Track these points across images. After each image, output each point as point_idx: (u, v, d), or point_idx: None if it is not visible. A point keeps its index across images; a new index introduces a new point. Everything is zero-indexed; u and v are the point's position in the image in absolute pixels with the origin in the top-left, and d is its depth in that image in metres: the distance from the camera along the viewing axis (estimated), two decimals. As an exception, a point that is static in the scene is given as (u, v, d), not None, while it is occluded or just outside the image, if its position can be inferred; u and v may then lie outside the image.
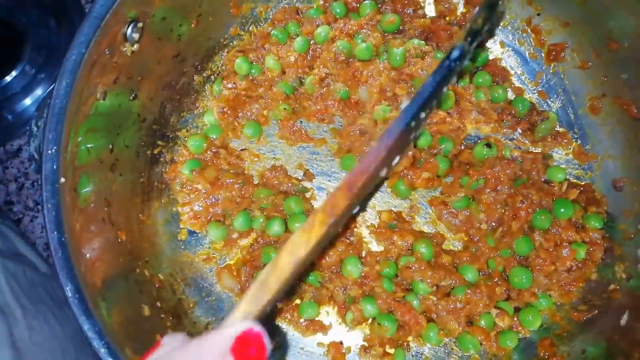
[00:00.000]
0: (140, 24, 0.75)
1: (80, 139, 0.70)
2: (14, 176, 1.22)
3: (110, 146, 0.77)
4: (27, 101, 1.26)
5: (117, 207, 0.77)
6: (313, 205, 0.87)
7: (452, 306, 0.78)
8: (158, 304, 0.78)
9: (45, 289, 0.90)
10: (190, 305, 0.84)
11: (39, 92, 1.26)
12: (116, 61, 0.73)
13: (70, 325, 0.86)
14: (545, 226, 0.80)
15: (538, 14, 0.88)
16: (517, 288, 0.80)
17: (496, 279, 0.81)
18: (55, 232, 0.62)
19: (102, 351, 0.60)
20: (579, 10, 0.81)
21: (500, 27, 0.91)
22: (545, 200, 0.81)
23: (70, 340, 0.85)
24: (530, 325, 0.79)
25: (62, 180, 0.65)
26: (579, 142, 0.87)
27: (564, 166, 0.86)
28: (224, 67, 0.92)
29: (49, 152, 0.64)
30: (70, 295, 0.61)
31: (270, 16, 0.93)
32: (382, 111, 0.87)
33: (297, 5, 0.92)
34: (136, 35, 0.75)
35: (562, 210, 0.81)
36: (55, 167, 0.64)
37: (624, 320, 0.73)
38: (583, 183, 0.85)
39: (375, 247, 0.86)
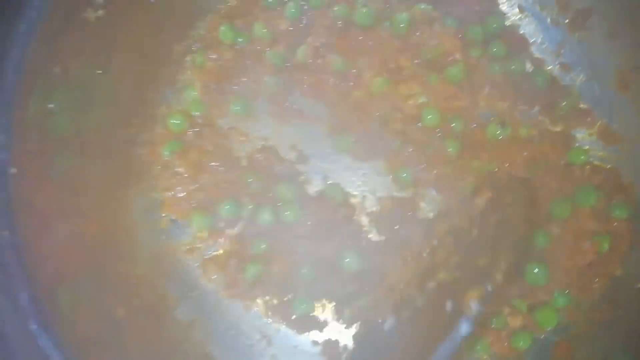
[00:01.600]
0: (103, -15, 0.65)
1: (38, 122, 0.61)
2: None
3: (77, 127, 0.68)
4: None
5: (86, 196, 0.70)
6: (306, 191, 0.80)
7: None
8: (135, 303, 0.71)
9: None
10: (172, 303, 0.77)
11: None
12: (78, 29, 0.65)
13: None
14: (565, 215, 0.73)
15: (561, -26, 0.78)
16: (532, 284, 0.73)
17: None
18: (7, 232, 0.54)
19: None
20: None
21: (519, -11, 0.82)
22: (566, 187, 0.75)
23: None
24: (546, 325, 0.73)
25: (14, 170, 0.57)
26: (605, 121, 0.79)
27: (587, 147, 0.79)
28: (207, 36, 0.83)
29: (-1, 138, 0.56)
30: (24, 304, 0.53)
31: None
32: (380, 84, 0.79)
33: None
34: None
35: (584, 197, 0.74)
36: (5, 156, 0.56)
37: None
38: (608, 167, 0.78)
39: (375, 237, 0.79)
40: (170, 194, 0.80)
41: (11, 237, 0.55)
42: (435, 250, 0.71)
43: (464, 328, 0.60)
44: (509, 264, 0.61)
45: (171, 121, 0.80)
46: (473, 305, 0.60)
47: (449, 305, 0.62)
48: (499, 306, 0.72)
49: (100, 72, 0.71)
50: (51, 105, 0.64)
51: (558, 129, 0.79)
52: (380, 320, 0.69)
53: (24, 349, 0.51)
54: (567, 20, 0.81)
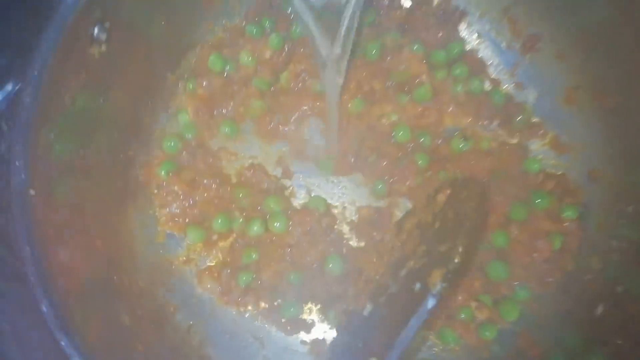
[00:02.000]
0: (107, 24, 0.72)
1: (50, 147, 0.67)
2: (-16, 176, 1.19)
3: (82, 152, 0.74)
4: (-4, 97, 1.21)
5: (92, 214, 0.75)
6: (292, 203, 0.87)
7: None
8: (138, 311, 0.77)
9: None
10: (172, 310, 0.83)
11: (9, 87, 1.21)
12: (84, 64, 0.71)
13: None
14: (522, 218, 0.81)
15: (515, 3, 0.87)
16: (495, 280, 0.81)
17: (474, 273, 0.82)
18: (27, 247, 0.61)
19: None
20: (556, 1, 0.81)
21: (477, 17, 0.91)
22: (522, 192, 0.83)
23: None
24: (509, 317, 0.80)
25: (32, 192, 0.63)
26: (555, 133, 0.87)
27: (540, 157, 0.87)
28: (197, 65, 0.90)
29: (17, 164, 0.62)
30: (46, 310, 0.59)
31: (245, 10, 0.90)
32: (356, 105, 0.86)
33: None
34: (104, 36, 0.72)
35: (538, 201, 0.82)
36: (24, 178, 0.62)
37: (599, 310, 0.75)
38: (559, 173, 0.86)
39: (355, 243, 0.86)
40: (166, 210, 0.86)
41: (31, 252, 0.61)
42: (405, 244, 0.79)
43: (430, 302, 0.69)
44: (465, 247, 0.70)
45: (166, 144, 0.87)
46: (437, 283, 0.68)
47: (417, 286, 0.71)
48: (464, 299, 0.79)
49: (102, 100, 0.77)
50: (60, 132, 0.69)
51: (514, 141, 0.88)
52: (360, 308, 0.77)
53: (48, 350, 0.57)
54: (519, 45, 0.89)
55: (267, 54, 0.88)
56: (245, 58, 0.88)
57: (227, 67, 0.89)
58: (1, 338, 0.82)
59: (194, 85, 0.88)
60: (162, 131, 0.89)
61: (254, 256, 0.84)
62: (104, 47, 0.73)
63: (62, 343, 0.58)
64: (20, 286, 0.93)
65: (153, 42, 0.82)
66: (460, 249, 0.70)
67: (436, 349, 0.82)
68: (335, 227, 0.86)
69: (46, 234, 0.64)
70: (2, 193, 1.16)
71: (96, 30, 0.71)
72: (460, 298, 0.79)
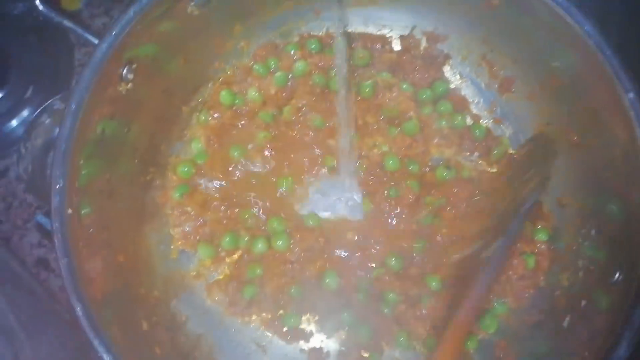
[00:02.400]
0: (134, 65, 0.82)
1: (82, 172, 0.77)
2: (2, 196, 1.26)
3: (108, 176, 0.84)
4: (14, 122, 1.29)
5: (115, 231, 0.84)
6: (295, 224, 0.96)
7: (418, 313, 0.88)
8: (154, 318, 0.85)
9: (44, 310, 0.96)
10: (183, 319, 0.91)
11: (25, 113, 1.30)
12: (113, 99, 0.81)
13: (70, 344, 0.92)
14: None
15: (491, 50, 0.98)
16: (475, 295, 0.89)
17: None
18: (65, 259, 0.70)
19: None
20: (526, 49, 0.92)
21: (459, 61, 1.02)
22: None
23: (72, 358, 0.91)
24: (488, 329, 0.89)
25: (69, 211, 0.72)
26: (529, 164, 0.97)
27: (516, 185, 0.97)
28: (209, 99, 1.00)
29: (57, 187, 0.72)
30: (80, 314, 0.68)
31: (252, 51, 1.01)
32: (353, 138, 0.97)
33: (276, 42, 1.01)
34: (131, 75, 0.82)
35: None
36: (63, 200, 0.72)
37: (566, 322, 0.83)
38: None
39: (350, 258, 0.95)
40: (179, 229, 0.95)
41: (69, 263, 0.70)
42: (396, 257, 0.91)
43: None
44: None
45: (180, 169, 0.96)
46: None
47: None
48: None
49: (126, 130, 0.87)
50: (90, 158, 0.79)
51: (493, 170, 0.98)
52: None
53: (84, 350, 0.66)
54: (497, 85, 1.00)
55: (272, 90, 0.98)
56: (252, 93, 0.98)
57: (237, 101, 0.98)
58: (18, 343, 0.90)
59: (206, 117, 0.98)
60: (176, 157, 0.98)
61: (258, 271, 0.93)
62: (130, 85, 0.83)
63: (95, 343, 0.67)
64: (33, 298, 1.01)
65: (171, 79, 0.92)
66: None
67: (422, 357, 0.91)
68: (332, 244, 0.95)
69: (78, 249, 0.73)
70: (17, 212, 1.25)
71: (125, 70, 0.81)
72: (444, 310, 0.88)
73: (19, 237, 1.26)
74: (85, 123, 0.76)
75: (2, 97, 1.28)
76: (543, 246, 0.91)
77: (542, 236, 0.91)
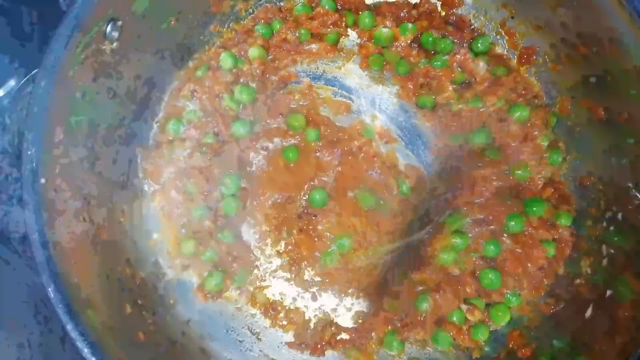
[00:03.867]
0: (119, 22, 0.75)
1: (59, 138, 0.70)
2: (-14, 168, 1.20)
3: (90, 145, 0.77)
4: (0, 92, 1.23)
5: (97, 206, 0.77)
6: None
7: (419, 318, 0.81)
8: (139, 301, 0.78)
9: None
10: (171, 302, 0.85)
11: (12, 83, 1.23)
12: (95, 60, 0.74)
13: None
14: (519, 230, 0.83)
15: (512, 17, 0.90)
16: (487, 288, 0.83)
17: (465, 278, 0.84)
18: (37, 234, 0.63)
19: (86, 351, 0.61)
20: (551, 15, 0.84)
21: (476, 28, 0.94)
22: (518, 204, 0.85)
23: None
24: (500, 321, 0.83)
25: (43, 180, 0.65)
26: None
27: (533, 163, 0.89)
28: (207, 60, 0.92)
29: (29, 152, 0.64)
30: (52, 295, 0.61)
31: (251, 13, 0.93)
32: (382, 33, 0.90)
33: (280, 4, 0.93)
34: (115, 34, 0.75)
35: (534, 209, 0.84)
36: (35, 167, 0.64)
37: (588, 313, 0.77)
38: (557, 180, 0.88)
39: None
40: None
41: (39, 238, 0.63)
42: None
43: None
44: None
45: (169, 126, 0.89)
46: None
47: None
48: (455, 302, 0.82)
49: (111, 95, 0.79)
50: (70, 124, 0.72)
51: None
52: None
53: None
54: (516, 56, 0.93)
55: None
56: (255, 52, 0.90)
57: (239, 64, 0.91)
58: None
59: (203, 72, 0.90)
60: (165, 120, 0.90)
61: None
62: (115, 45, 0.76)
63: (68, 327, 0.60)
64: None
65: (162, 42, 0.85)
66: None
67: (430, 349, 0.84)
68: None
69: (53, 223, 0.66)
70: (1, 186, 1.19)
71: (109, 28, 0.74)
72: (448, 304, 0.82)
73: (3, 213, 1.20)
74: (63, 83, 0.69)
75: (-13, 66, 1.21)
76: (565, 232, 0.83)
77: (564, 221, 0.84)
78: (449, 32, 0.91)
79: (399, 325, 0.83)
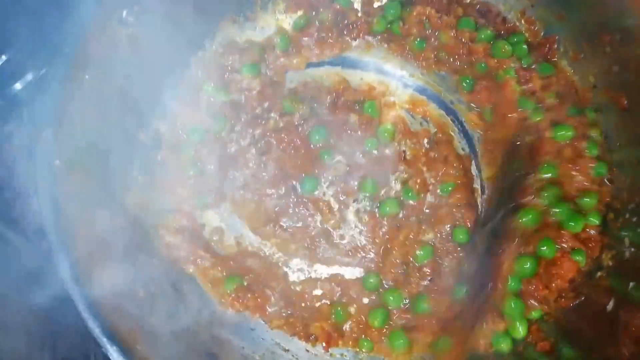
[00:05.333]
0: (136, 8, 0.75)
1: (73, 122, 0.69)
2: (4, 161, 1.21)
3: (104, 129, 0.76)
4: (18, 86, 1.24)
5: (111, 189, 0.77)
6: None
7: None
8: (152, 288, 0.77)
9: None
10: (184, 291, 0.84)
11: (29, 77, 1.24)
12: (112, 44, 0.74)
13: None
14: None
15: (532, 5, 0.89)
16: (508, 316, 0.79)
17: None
18: (51, 214, 0.63)
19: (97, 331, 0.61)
20: (574, 2, 0.82)
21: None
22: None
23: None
24: (518, 334, 0.78)
25: (57, 162, 0.65)
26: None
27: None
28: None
29: (44, 134, 0.64)
30: (66, 275, 0.61)
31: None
32: None
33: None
34: (132, 19, 0.75)
35: (572, 224, 0.79)
36: (49, 149, 0.64)
37: (610, 306, 0.74)
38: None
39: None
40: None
41: (54, 219, 0.63)
42: None
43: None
44: None
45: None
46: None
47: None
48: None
49: (125, 80, 0.79)
50: (83, 107, 0.72)
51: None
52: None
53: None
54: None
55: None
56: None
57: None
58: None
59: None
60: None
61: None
62: (131, 30, 0.76)
63: (80, 308, 0.59)
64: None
65: (179, 27, 0.84)
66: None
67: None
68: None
69: (67, 204, 0.66)
70: (19, 179, 1.20)
71: (125, 13, 0.74)
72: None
73: (21, 204, 1.21)
74: (80, 68, 0.69)
75: (5, 60, 1.22)
76: (593, 231, 0.80)
77: (593, 219, 0.80)
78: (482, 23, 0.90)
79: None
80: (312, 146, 0.89)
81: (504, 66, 0.89)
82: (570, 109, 0.85)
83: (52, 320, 0.86)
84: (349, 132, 0.90)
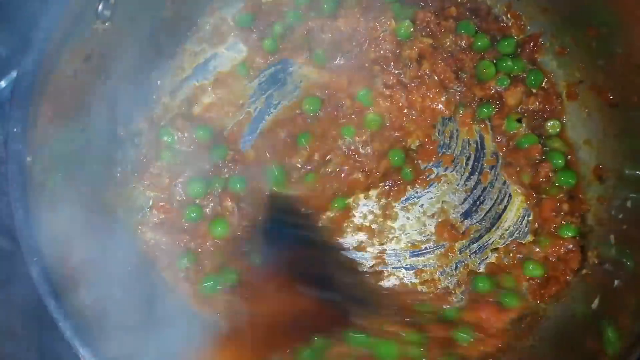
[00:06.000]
0: (112, 0, 0.73)
1: (48, 118, 0.68)
2: (-12, 161, 1.20)
3: (82, 127, 0.75)
4: (2, 84, 1.22)
5: (88, 191, 0.75)
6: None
7: None
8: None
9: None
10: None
11: (14, 74, 1.22)
12: (87, 39, 0.72)
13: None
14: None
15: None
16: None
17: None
18: (21, 211, 0.61)
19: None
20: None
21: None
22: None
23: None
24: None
25: (29, 159, 0.63)
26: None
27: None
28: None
29: (15, 130, 0.63)
30: (35, 276, 0.59)
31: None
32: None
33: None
34: (107, 12, 0.73)
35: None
36: (21, 146, 0.63)
37: (595, 304, 0.74)
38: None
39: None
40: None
41: (24, 216, 0.61)
42: None
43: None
44: None
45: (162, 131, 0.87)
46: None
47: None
48: None
49: (104, 77, 0.77)
50: (59, 105, 0.70)
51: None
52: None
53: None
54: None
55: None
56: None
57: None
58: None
59: None
60: (164, 106, 0.89)
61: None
62: (107, 24, 0.74)
63: (49, 306, 0.58)
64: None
65: (158, 22, 0.84)
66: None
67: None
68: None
69: (39, 202, 0.64)
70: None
71: (101, 5, 0.72)
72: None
73: (5, 204, 1.19)
74: (53, 60, 0.67)
75: (-10, 57, 1.21)
76: (570, 245, 0.79)
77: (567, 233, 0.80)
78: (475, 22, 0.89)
79: None
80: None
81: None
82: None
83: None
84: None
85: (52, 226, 0.65)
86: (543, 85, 0.87)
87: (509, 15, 0.89)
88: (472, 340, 0.75)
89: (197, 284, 0.81)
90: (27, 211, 0.61)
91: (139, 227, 0.83)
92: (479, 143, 0.87)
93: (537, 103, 0.86)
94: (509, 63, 0.86)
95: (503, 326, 0.78)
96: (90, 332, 0.61)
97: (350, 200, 0.86)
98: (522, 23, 0.89)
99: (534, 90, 0.86)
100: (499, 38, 0.88)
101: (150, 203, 0.85)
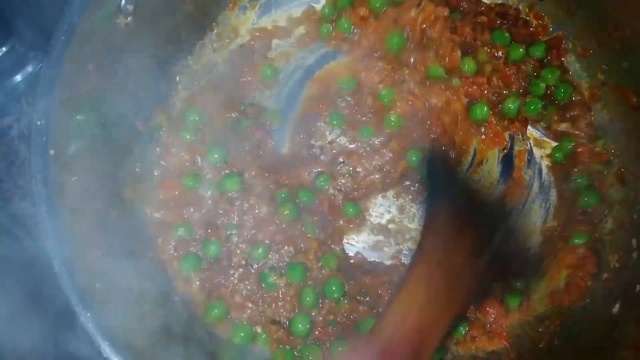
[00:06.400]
0: (134, -5, 0.73)
1: (71, 111, 0.68)
2: (4, 154, 1.20)
3: (103, 120, 0.75)
4: (18, 78, 1.23)
5: (107, 184, 0.76)
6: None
7: None
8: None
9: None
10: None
11: (30, 69, 1.23)
12: (109, 33, 0.72)
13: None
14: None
15: (541, 0, 0.87)
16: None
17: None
18: (44, 205, 0.61)
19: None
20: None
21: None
22: None
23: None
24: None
25: (52, 152, 0.63)
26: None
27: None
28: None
29: (38, 123, 0.63)
30: (57, 269, 0.59)
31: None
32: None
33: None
34: (130, 7, 0.73)
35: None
36: (44, 139, 0.63)
37: (616, 309, 0.73)
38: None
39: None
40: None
41: (47, 210, 0.61)
42: None
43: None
44: None
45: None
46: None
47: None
48: None
49: (125, 71, 0.78)
50: (81, 98, 0.70)
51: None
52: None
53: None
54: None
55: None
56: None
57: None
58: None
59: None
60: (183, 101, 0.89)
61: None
62: (130, 19, 0.74)
63: (72, 300, 0.58)
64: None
65: (179, 17, 0.84)
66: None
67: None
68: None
69: (62, 195, 0.64)
70: (18, 170, 1.19)
71: (124, 1, 0.72)
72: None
73: (19, 197, 1.20)
74: (76, 54, 0.67)
75: (7, 51, 1.21)
76: (581, 250, 0.79)
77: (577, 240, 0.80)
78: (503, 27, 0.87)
79: None
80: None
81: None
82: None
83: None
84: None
85: (73, 220, 0.66)
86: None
87: (531, 16, 0.89)
88: None
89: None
90: (51, 205, 0.61)
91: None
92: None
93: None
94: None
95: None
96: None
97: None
98: (545, 24, 0.88)
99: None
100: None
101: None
